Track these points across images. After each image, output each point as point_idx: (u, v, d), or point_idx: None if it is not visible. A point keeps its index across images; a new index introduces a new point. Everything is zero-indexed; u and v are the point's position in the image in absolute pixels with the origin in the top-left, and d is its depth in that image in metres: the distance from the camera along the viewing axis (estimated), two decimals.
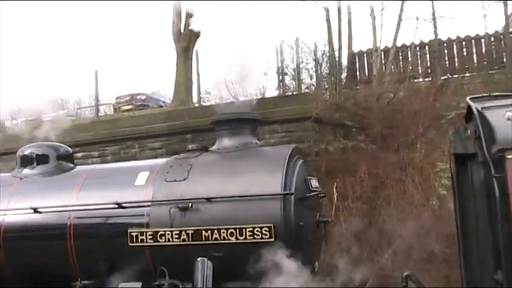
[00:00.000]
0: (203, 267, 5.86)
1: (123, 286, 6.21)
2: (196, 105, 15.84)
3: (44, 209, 6.76)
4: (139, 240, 6.12)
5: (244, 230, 5.69)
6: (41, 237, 6.86)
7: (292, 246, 5.68)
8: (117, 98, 22.60)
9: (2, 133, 15.37)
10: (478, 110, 5.19)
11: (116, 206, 6.36)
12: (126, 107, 21.42)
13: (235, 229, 5.72)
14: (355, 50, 19.63)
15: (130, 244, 6.14)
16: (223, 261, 5.82)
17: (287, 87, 16.84)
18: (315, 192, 6.24)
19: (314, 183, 6.42)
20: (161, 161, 6.94)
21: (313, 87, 17.23)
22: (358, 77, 19.31)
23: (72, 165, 7.77)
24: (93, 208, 6.53)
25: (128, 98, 22.41)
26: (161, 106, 21.45)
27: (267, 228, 5.62)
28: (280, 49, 15.73)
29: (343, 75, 18.54)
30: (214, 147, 6.74)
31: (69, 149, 8.05)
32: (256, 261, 5.57)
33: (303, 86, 17.00)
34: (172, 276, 5.99)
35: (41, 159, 7.55)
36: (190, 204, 5.97)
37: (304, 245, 5.96)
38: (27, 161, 7.58)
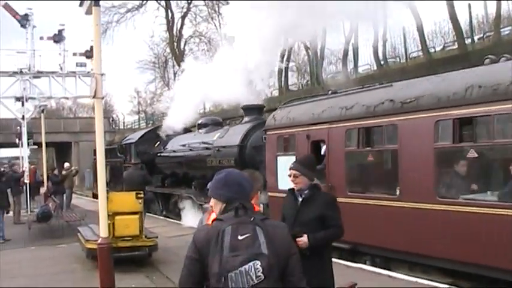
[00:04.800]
0: None
1: None
2: None
3: (192, 145, 15.58)
4: (208, 163, 14.24)
5: (227, 159, 13.15)
6: (189, 160, 15.76)
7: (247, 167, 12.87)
8: None
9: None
10: (278, 107, 11.24)
11: (205, 146, 14.64)
12: None
13: (226, 159, 13.22)
14: None
15: (207, 165, 14.31)
16: None
17: None
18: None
19: None
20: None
21: None
22: None
23: (219, 127, 16.23)
24: (201, 148, 14.98)
25: None
26: None
27: (233, 159, 12.92)
28: None
29: None
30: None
31: (218, 119, 16.60)
32: None
33: None
34: None
35: (203, 125, 16.29)
36: (217, 148, 13.72)
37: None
38: (199, 126, 16.45)
